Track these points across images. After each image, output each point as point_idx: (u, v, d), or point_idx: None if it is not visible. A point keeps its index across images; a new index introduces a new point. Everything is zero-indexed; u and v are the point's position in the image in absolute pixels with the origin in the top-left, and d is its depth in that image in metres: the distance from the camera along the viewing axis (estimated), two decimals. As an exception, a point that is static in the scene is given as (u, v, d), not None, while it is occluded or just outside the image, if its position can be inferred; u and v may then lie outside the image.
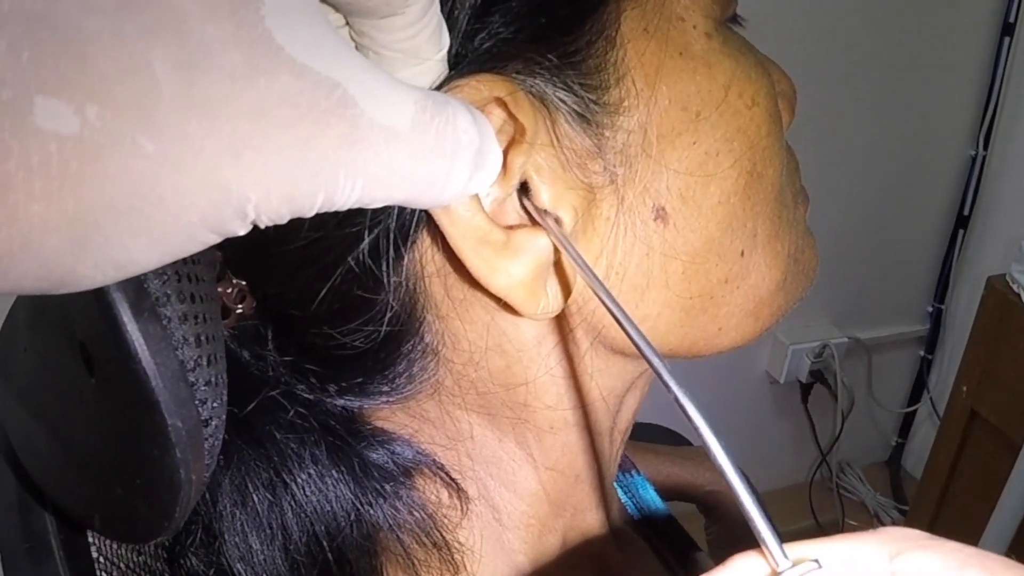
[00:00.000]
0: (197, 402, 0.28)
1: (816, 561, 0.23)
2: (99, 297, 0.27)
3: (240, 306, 0.37)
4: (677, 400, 0.27)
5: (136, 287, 0.27)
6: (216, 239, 0.23)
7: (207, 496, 0.36)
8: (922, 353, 1.99)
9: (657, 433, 0.81)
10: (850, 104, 1.61)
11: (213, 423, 0.30)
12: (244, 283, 0.37)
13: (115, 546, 0.41)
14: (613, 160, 0.33)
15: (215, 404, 0.29)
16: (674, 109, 0.34)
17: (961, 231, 1.83)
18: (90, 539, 0.40)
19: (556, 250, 0.33)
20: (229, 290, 0.36)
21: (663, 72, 0.33)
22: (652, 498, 0.63)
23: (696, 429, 0.26)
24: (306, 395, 0.37)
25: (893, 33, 1.58)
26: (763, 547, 0.24)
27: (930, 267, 1.91)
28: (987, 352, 1.43)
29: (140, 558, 0.42)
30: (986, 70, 1.70)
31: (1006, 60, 1.67)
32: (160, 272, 0.28)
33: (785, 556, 0.23)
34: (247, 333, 0.38)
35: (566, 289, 0.34)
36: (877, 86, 1.62)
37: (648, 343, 0.29)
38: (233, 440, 0.36)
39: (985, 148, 1.75)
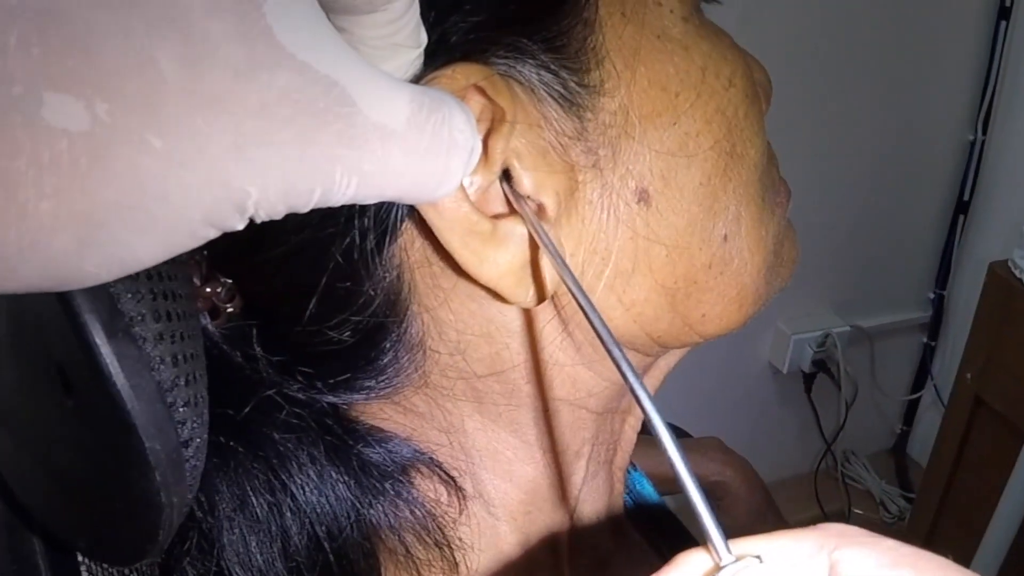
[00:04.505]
0: (176, 423, 0.28)
1: (758, 557, 0.23)
2: (72, 318, 0.26)
3: (230, 305, 0.36)
4: (624, 377, 0.27)
5: (109, 307, 0.26)
6: (215, 234, 0.23)
7: (204, 502, 0.36)
8: (925, 340, 1.99)
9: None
10: (848, 91, 1.60)
11: (194, 443, 0.29)
12: (231, 282, 0.36)
13: (105, 565, 0.40)
14: (596, 142, 0.33)
15: (195, 424, 0.29)
16: (653, 90, 0.34)
17: (961, 217, 1.82)
18: (80, 558, 0.40)
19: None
20: (219, 289, 0.36)
21: (641, 54, 0.34)
22: (649, 493, 0.63)
23: (645, 412, 0.26)
24: (299, 395, 0.37)
25: (891, 18, 1.57)
26: (708, 542, 0.24)
27: (931, 253, 1.90)
28: (990, 338, 1.43)
29: (132, 576, 0.42)
30: (984, 54, 1.69)
31: (1003, 44, 1.66)
32: (134, 291, 0.27)
33: (728, 551, 0.24)
34: (239, 334, 0.37)
35: (555, 276, 0.34)
36: (875, 72, 1.61)
37: (603, 323, 0.29)
38: (229, 443, 0.36)
39: (984, 133, 1.74)
